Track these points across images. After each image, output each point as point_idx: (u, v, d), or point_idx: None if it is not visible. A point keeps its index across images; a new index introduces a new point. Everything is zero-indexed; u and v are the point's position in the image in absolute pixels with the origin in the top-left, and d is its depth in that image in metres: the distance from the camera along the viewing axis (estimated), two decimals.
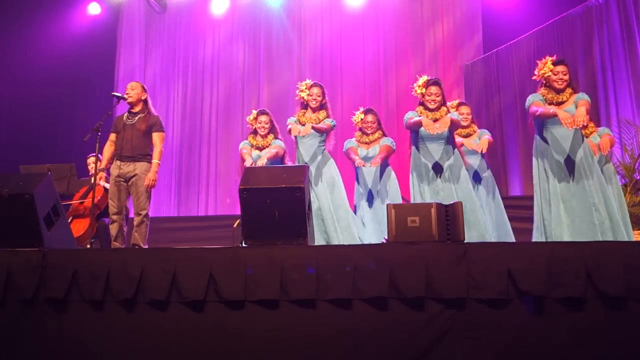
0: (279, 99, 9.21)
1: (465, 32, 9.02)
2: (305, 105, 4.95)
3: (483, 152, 4.91)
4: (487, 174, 5.03)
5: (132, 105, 4.81)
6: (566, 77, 4.10)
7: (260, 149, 5.03)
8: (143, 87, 4.89)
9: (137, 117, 4.76)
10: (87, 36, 9.27)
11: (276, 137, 5.10)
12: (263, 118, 5.11)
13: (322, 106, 4.93)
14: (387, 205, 3.26)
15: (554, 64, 4.12)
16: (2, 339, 3.10)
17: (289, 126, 4.88)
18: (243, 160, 5.02)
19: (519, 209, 5.80)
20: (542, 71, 4.14)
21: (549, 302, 2.88)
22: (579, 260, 2.88)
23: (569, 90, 4.12)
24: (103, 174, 4.91)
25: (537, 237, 4.15)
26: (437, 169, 4.41)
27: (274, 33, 9.50)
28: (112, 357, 3.06)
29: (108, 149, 4.80)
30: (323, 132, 4.87)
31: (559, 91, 4.11)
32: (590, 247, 3.02)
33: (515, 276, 2.88)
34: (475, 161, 5.00)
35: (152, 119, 4.77)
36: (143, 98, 4.84)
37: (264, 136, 5.08)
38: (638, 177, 5.77)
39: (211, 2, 9.58)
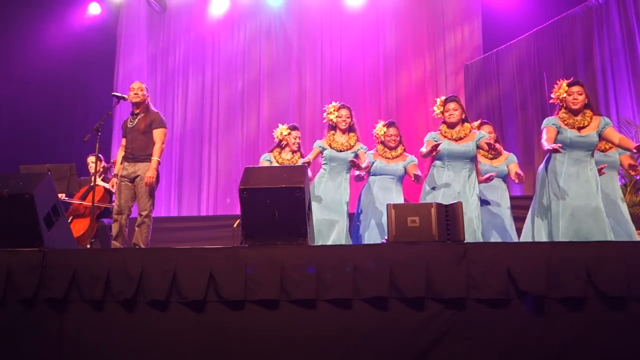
0: (279, 98, 9.22)
1: (465, 32, 9.02)
2: (333, 127, 4.88)
3: (517, 180, 4.70)
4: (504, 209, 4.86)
5: (138, 105, 4.82)
6: (581, 97, 4.09)
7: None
8: (146, 88, 4.93)
9: (137, 118, 4.79)
10: (87, 36, 9.28)
11: (302, 156, 5.08)
12: (295, 133, 5.10)
13: (350, 128, 4.87)
14: (387, 205, 3.26)
15: (569, 85, 4.14)
16: (2, 339, 3.10)
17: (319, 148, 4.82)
18: None
19: (519, 209, 5.78)
20: (557, 93, 4.17)
21: (549, 302, 2.88)
22: (579, 260, 2.88)
23: (588, 113, 4.11)
24: (115, 180, 4.92)
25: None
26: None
27: (274, 33, 9.50)
28: (112, 357, 3.06)
29: (120, 154, 4.89)
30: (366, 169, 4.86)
31: (575, 112, 4.10)
32: (590, 247, 3.02)
33: (515, 276, 2.88)
34: (497, 183, 4.83)
35: (150, 117, 4.79)
36: (147, 97, 4.89)
37: (295, 152, 5.08)
38: (638, 177, 5.76)
39: (211, 2, 9.58)
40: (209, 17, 9.63)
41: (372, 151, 5.04)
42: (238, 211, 3.98)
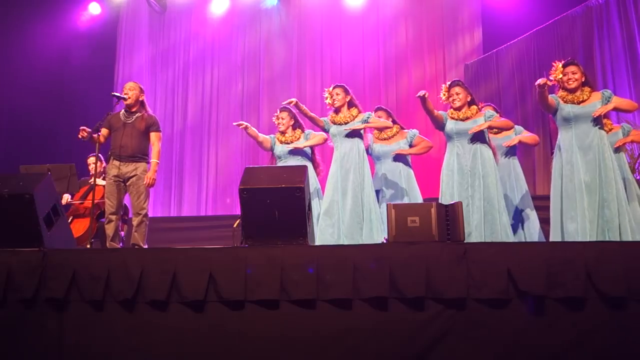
0: (279, 98, 9.20)
1: (465, 32, 9.03)
2: (335, 110, 4.91)
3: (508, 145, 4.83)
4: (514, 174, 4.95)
5: (130, 106, 4.81)
6: (576, 76, 4.16)
7: (289, 142, 5.02)
8: (141, 88, 4.89)
9: (135, 117, 4.76)
10: (87, 36, 9.28)
11: (303, 131, 5.08)
12: (281, 114, 5.13)
13: (350, 104, 4.87)
14: (387, 205, 3.26)
15: (564, 65, 4.22)
16: (2, 339, 3.10)
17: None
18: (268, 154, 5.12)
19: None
20: (553, 75, 4.23)
21: (549, 302, 2.88)
22: (579, 260, 2.88)
23: (587, 89, 4.17)
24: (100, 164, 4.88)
25: (554, 236, 4.13)
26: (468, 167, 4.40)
27: (274, 33, 9.50)
28: (112, 357, 3.06)
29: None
30: (381, 128, 4.90)
31: (571, 90, 4.16)
32: (590, 247, 3.02)
33: (515, 276, 2.88)
34: (507, 161, 4.92)
35: (150, 119, 4.78)
36: (141, 99, 4.85)
37: (283, 132, 5.07)
38: (638, 177, 5.76)
39: (211, 2, 9.58)
40: (209, 17, 9.63)
41: (371, 135, 5.10)
42: (238, 211, 3.99)
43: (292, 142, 5.01)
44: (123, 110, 4.82)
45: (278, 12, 9.49)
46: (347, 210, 4.61)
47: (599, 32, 7.15)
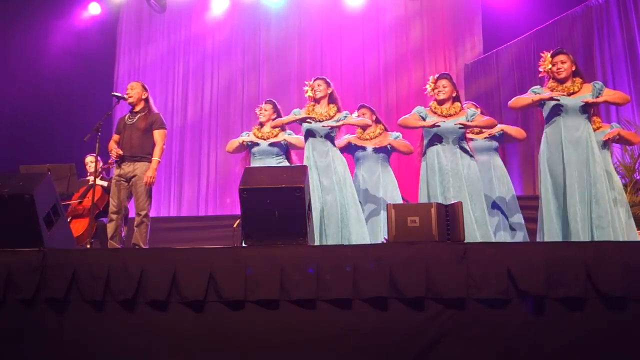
0: (279, 99, 9.18)
1: (465, 32, 9.03)
2: (314, 100, 4.69)
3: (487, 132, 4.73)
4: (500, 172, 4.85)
5: (133, 105, 4.83)
6: (565, 66, 4.05)
7: (265, 138, 5.00)
8: (143, 87, 4.89)
9: (137, 116, 4.77)
10: (87, 36, 9.29)
11: (284, 130, 5.04)
12: (265, 106, 5.14)
13: (330, 99, 4.66)
14: (387, 205, 3.26)
15: (552, 55, 4.11)
16: (2, 339, 3.10)
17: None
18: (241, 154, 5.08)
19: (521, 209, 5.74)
20: (543, 66, 4.14)
21: (549, 302, 2.87)
22: (579, 260, 2.88)
23: (577, 80, 4.07)
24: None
25: (543, 236, 4.04)
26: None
27: (274, 33, 9.51)
28: (111, 357, 3.06)
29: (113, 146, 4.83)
30: (362, 126, 4.80)
31: (561, 81, 4.06)
32: (590, 247, 3.02)
33: (515, 276, 2.88)
34: (487, 158, 4.80)
35: (152, 117, 4.78)
36: (144, 97, 4.85)
37: (261, 125, 5.07)
38: (638, 177, 5.76)
39: (211, 2, 9.59)
40: (209, 17, 9.64)
41: (352, 135, 5.04)
42: (238, 211, 3.98)
43: (268, 138, 4.96)
44: (129, 112, 4.87)
45: (278, 12, 9.49)
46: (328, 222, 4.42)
47: (599, 32, 7.15)
